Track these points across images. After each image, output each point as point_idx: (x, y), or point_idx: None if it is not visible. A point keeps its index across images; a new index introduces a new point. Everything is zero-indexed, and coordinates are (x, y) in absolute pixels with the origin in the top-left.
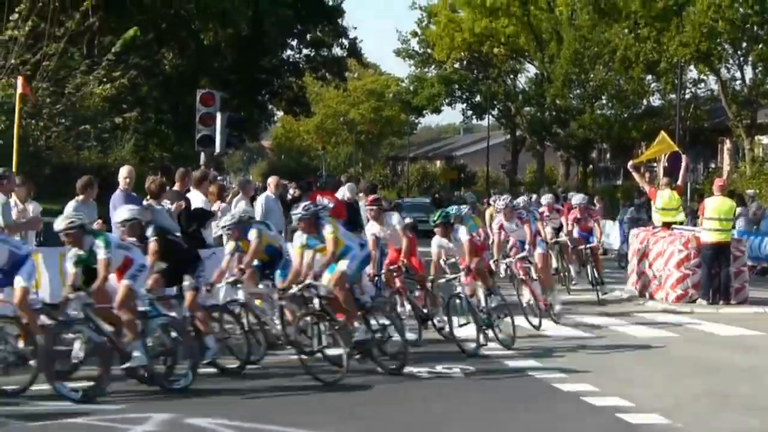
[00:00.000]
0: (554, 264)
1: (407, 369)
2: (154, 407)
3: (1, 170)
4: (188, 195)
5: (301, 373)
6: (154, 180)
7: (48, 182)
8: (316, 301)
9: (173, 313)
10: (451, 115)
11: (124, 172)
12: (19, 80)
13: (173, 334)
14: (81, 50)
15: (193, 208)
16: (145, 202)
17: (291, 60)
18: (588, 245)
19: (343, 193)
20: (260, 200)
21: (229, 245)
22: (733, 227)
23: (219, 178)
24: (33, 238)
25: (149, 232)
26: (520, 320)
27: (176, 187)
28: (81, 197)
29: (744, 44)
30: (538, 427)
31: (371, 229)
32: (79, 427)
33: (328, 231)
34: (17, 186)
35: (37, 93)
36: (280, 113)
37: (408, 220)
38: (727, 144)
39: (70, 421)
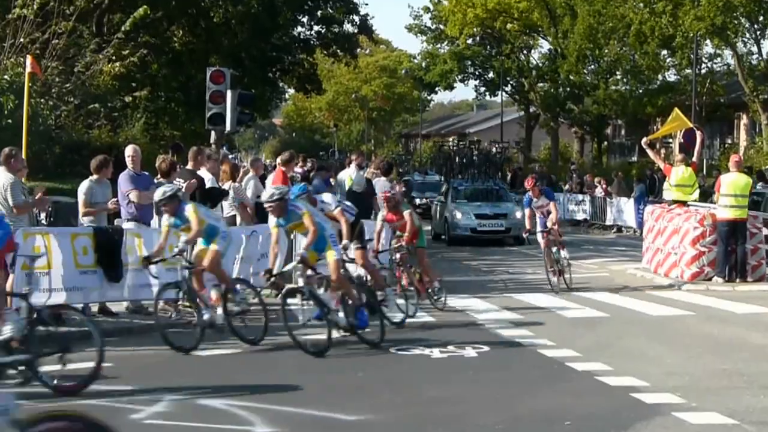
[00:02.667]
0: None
1: (418, 350)
2: (166, 388)
3: (8, 149)
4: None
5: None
6: (165, 159)
7: (58, 161)
8: None
9: None
10: (464, 91)
11: (129, 151)
12: (28, 59)
13: None
14: (90, 28)
15: (207, 186)
16: (156, 181)
17: (302, 37)
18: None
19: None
20: (270, 178)
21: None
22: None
23: (231, 156)
24: (43, 218)
25: None
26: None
27: (189, 166)
28: (95, 177)
29: (761, 18)
30: (551, 407)
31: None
32: (90, 408)
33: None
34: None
35: (47, 72)
36: (291, 90)
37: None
38: (744, 119)
39: (79, 402)
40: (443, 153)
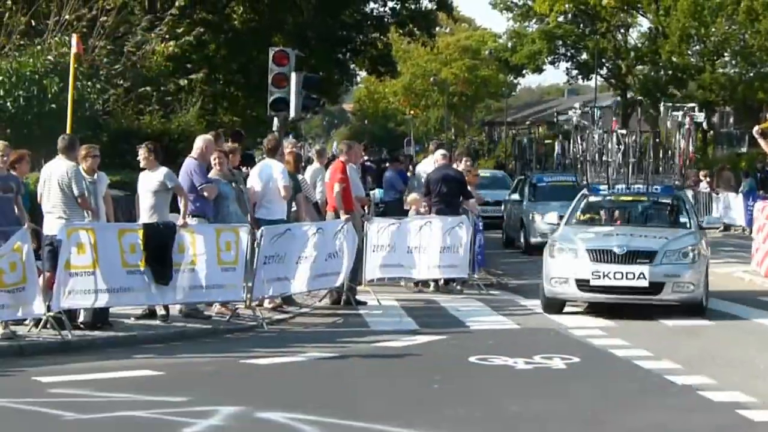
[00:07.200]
0: None
1: (500, 360)
2: (222, 399)
3: (68, 137)
4: (264, 164)
5: (383, 362)
6: (273, 137)
7: (106, 150)
8: None
9: None
10: (554, 74)
11: (204, 142)
12: (74, 38)
13: None
14: (142, 4)
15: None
16: (212, 175)
17: (374, 14)
18: None
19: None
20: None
21: None
22: None
23: (298, 144)
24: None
25: None
26: None
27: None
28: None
29: None
30: (647, 425)
31: None
32: (138, 421)
33: None
34: (93, 157)
35: (94, 52)
36: (362, 73)
37: None
38: None
39: (129, 413)
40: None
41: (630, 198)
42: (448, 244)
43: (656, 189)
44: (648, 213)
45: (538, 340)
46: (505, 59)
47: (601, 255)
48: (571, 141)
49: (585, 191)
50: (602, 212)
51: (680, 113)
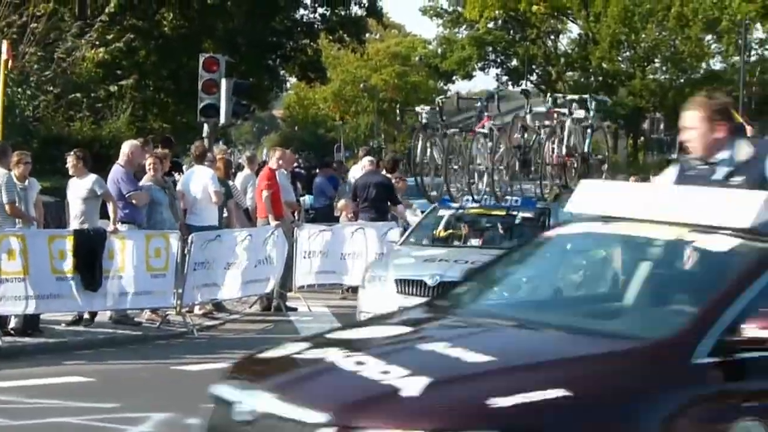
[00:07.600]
0: None
1: None
2: (153, 406)
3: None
4: (193, 170)
5: None
6: (200, 144)
7: (36, 156)
8: None
9: None
10: (485, 80)
11: (130, 147)
12: (4, 44)
13: None
14: (72, 10)
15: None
16: (143, 183)
17: (304, 20)
18: None
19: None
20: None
21: None
22: None
23: (228, 151)
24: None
25: None
26: None
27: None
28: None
29: None
30: None
31: None
32: (69, 427)
33: None
34: (25, 163)
35: (24, 58)
36: (293, 79)
37: None
38: None
39: (59, 420)
40: None
41: (482, 212)
42: (384, 251)
43: (516, 202)
44: (504, 231)
45: None
46: (435, 65)
47: (410, 287)
48: (419, 143)
49: (436, 204)
50: (455, 229)
51: (543, 108)
